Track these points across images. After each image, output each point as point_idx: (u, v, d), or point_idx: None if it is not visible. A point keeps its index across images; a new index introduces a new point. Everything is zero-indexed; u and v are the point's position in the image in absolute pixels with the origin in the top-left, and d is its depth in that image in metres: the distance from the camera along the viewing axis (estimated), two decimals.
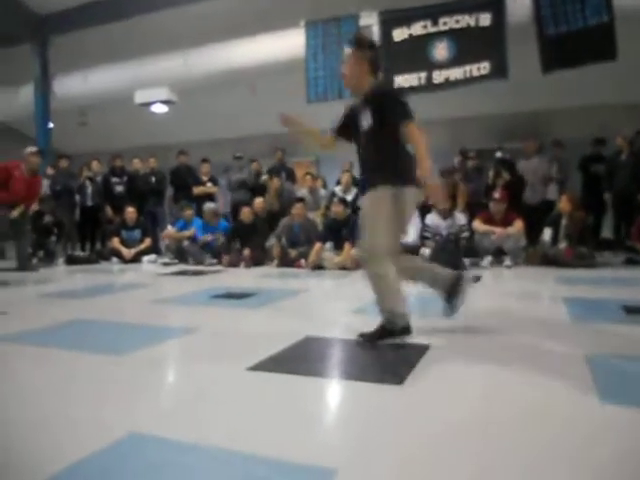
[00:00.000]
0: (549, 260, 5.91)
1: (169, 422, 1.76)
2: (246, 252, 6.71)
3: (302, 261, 6.34)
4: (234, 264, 6.70)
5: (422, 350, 2.49)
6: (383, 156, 2.79)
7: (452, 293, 2.90)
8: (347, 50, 2.91)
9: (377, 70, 2.93)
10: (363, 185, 3.03)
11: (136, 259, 7.59)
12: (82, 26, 10.55)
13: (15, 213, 6.35)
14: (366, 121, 2.82)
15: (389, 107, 2.76)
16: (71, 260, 7.80)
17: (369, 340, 2.71)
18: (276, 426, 1.68)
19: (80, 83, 10.80)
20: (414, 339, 2.72)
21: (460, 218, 6.34)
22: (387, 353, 2.54)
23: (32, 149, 6.65)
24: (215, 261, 7.03)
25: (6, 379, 2.28)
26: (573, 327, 3.01)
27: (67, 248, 8.73)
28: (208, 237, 7.34)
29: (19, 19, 10.84)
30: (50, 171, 9.15)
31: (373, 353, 2.57)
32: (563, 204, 6.11)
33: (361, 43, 2.92)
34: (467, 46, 7.27)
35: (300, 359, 2.49)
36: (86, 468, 1.41)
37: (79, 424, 1.74)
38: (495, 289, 4.92)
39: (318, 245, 6.15)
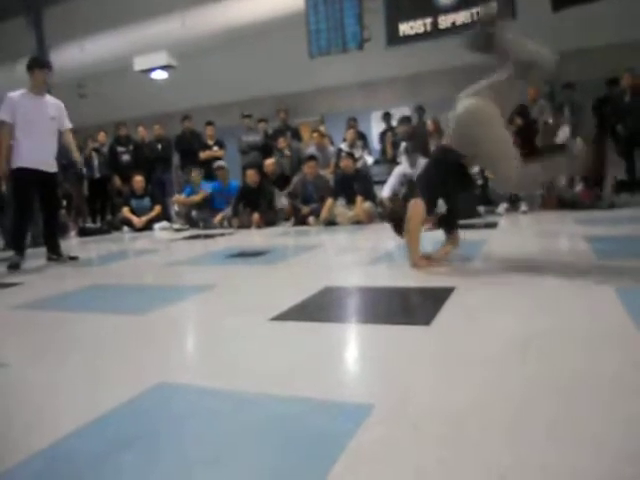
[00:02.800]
0: (566, 203, 5.80)
1: (197, 371, 1.73)
2: (255, 216, 6.64)
3: (311, 218, 6.27)
4: (246, 226, 6.66)
5: (447, 292, 2.43)
6: None
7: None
8: None
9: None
10: None
11: (147, 227, 7.57)
12: None
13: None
14: None
15: None
16: (83, 232, 7.81)
17: None
18: (306, 369, 1.65)
19: (77, 54, 10.61)
20: (438, 282, 2.67)
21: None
22: (411, 297, 2.49)
23: None
24: (226, 224, 6.99)
25: (33, 342, 2.26)
26: (600, 263, 2.94)
27: (78, 221, 8.73)
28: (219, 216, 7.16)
29: None
30: None
31: (397, 298, 2.52)
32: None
33: None
34: None
35: (323, 307, 2.45)
36: (117, 417, 1.39)
37: (108, 377, 1.72)
38: (514, 234, 4.84)
39: (330, 201, 6.07)
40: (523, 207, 5.87)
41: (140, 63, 9.88)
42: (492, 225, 5.01)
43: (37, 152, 4.55)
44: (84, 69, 10.75)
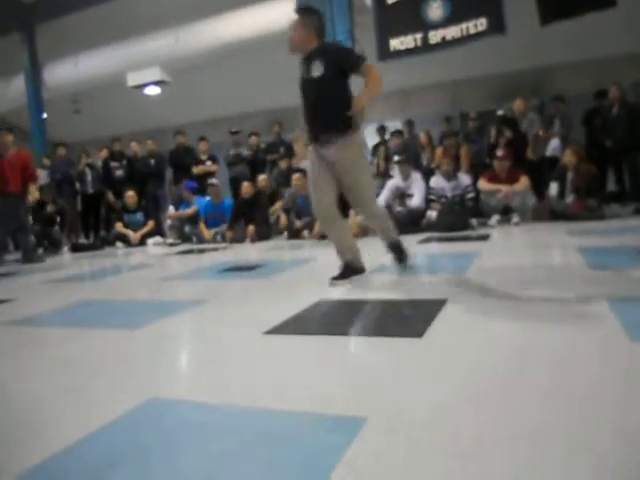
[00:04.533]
0: (557, 215, 5.84)
1: (189, 386, 1.72)
2: (250, 228, 6.64)
3: (305, 232, 6.29)
4: (239, 240, 6.65)
5: (439, 304, 2.44)
6: (338, 103, 3.04)
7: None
8: (294, 17, 3.19)
9: (323, 36, 3.21)
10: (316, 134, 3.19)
11: (141, 242, 7.56)
12: (68, 11, 10.39)
13: (31, 198, 6.43)
14: (318, 71, 3.07)
15: (345, 55, 3.21)
16: (76, 248, 7.78)
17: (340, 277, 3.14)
18: (299, 383, 1.64)
19: (71, 70, 10.66)
20: (430, 294, 2.67)
21: (464, 179, 6.27)
22: (403, 309, 2.49)
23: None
24: (220, 238, 6.98)
25: (22, 358, 2.24)
26: (592, 274, 2.95)
27: (71, 237, 8.70)
28: (211, 232, 7.14)
29: (4, 8, 10.65)
30: (46, 161, 9.07)
31: (389, 311, 2.52)
32: (568, 157, 6.02)
33: (308, 11, 3.21)
34: (462, 3, 7.08)
35: (316, 320, 2.45)
36: (108, 434, 1.38)
37: (99, 393, 1.71)
38: (507, 245, 4.85)
39: None
40: (515, 219, 5.91)
41: (133, 79, 9.93)
42: (484, 237, 5.03)
43: None
44: (78, 85, 10.79)
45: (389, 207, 6.21)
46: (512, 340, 1.88)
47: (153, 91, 10.38)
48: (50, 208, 7.97)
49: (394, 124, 10.11)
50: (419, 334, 2.01)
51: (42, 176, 8.59)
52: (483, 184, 6.15)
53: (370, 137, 11.91)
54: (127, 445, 1.30)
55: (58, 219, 8.08)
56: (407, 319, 2.32)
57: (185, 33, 9.40)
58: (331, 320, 2.48)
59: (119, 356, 2.12)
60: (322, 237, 6.03)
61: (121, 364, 2.02)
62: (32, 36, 11.14)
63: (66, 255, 7.38)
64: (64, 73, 10.84)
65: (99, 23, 10.18)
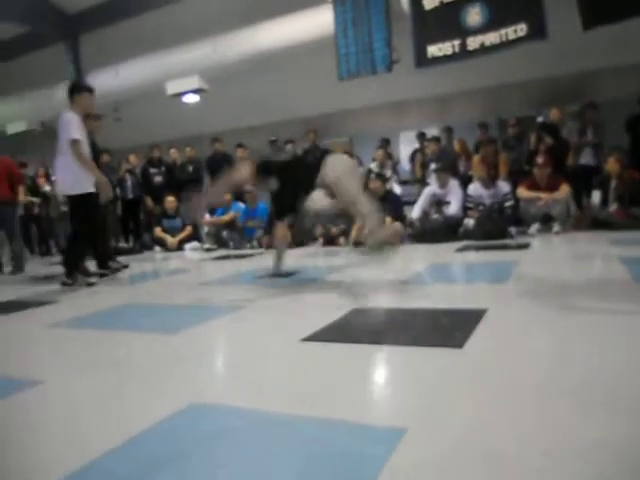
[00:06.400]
0: (599, 223, 5.68)
1: (228, 391, 1.74)
2: (288, 234, 6.68)
3: (341, 239, 6.29)
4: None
5: (479, 314, 2.40)
6: None
7: None
8: None
9: None
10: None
11: (178, 247, 7.69)
12: (110, 21, 10.68)
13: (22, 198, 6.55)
14: None
15: None
16: (115, 252, 7.94)
17: None
18: (338, 391, 1.64)
19: (112, 78, 10.92)
20: (469, 304, 2.64)
21: (503, 186, 6.16)
22: (442, 319, 2.46)
23: None
24: (256, 244, 7.05)
25: (68, 359, 2.31)
26: (636, 286, 2.87)
27: (111, 240, 8.91)
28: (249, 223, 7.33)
29: (50, 20, 11.04)
30: None
31: (427, 320, 2.50)
32: (611, 165, 5.87)
33: None
34: (502, 8, 6.99)
35: (354, 329, 2.44)
36: (151, 437, 1.40)
37: (141, 396, 1.74)
38: (547, 254, 4.75)
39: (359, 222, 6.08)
40: (556, 228, 5.78)
41: (172, 87, 10.11)
42: (524, 246, 4.93)
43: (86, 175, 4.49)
44: (119, 94, 11.05)
45: (426, 214, 6.17)
46: (553, 354, 1.84)
47: (191, 99, 10.56)
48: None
49: (431, 131, 10.04)
50: (459, 345, 1.98)
51: None
52: (522, 192, 6.04)
53: (407, 143, 11.89)
54: (168, 450, 1.32)
55: None
56: (446, 329, 2.29)
57: (222, 42, 9.54)
58: (368, 328, 2.47)
59: (160, 359, 2.16)
60: (358, 244, 6.03)
61: (161, 367, 2.06)
62: (76, 46, 11.51)
63: None
64: (105, 82, 11.10)
65: (139, 33, 10.43)
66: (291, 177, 3.68)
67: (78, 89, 4.77)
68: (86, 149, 4.51)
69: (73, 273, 4.59)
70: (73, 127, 4.39)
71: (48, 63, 11.69)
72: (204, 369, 2.01)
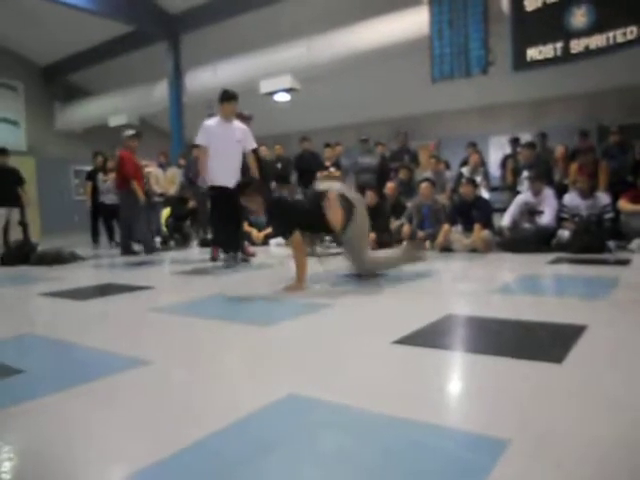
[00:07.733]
0: None
1: (323, 386, 1.78)
2: (371, 236, 6.68)
3: (427, 243, 6.22)
4: None
5: (578, 330, 2.31)
6: None
7: None
8: None
9: None
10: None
11: (264, 242, 7.90)
12: (210, 22, 11.11)
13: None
14: None
15: None
16: (204, 243, 8.28)
17: None
18: (435, 396, 1.64)
19: (210, 77, 11.38)
20: (567, 319, 2.54)
21: (603, 198, 5.84)
22: (538, 332, 2.39)
23: (129, 132, 7.40)
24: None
25: (170, 343, 2.45)
26: None
27: (199, 232, 9.30)
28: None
29: (154, 19, 11.65)
30: (182, 162, 9.76)
31: (522, 332, 2.43)
32: None
33: None
34: (610, 10, 6.64)
35: (448, 335, 2.43)
36: (256, 421, 1.47)
37: (242, 383, 1.83)
38: None
39: (446, 226, 5.98)
40: None
41: (266, 86, 10.38)
42: (624, 262, 4.66)
43: (222, 172, 5.29)
44: (214, 91, 11.48)
45: (516, 223, 5.97)
46: None
47: (283, 98, 10.79)
48: (192, 204, 8.65)
49: (523, 136, 9.70)
50: (558, 359, 1.93)
51: (177, 175, 9.29)
52: (625, 204, 5.71)
53: (497, 148, 11.56)
54: (274, 434, 1.38)
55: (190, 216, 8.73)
56: (543, 343, 2.23)
57: (316, 43, 9.69)
58: (463, 336, 2.45)
59: (257, 349, 2.26)
60: (444, 249, 5.94)
61: (259, 357, 2.15)
62: (177, 45, 12.09)
63: (195, 249, 7.91)
64: (203, 80, 11.61)
65: (237, 33, 10.80)
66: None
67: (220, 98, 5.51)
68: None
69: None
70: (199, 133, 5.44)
71: (149, 61, 12.36)
72: (297, 363, 2.07)
